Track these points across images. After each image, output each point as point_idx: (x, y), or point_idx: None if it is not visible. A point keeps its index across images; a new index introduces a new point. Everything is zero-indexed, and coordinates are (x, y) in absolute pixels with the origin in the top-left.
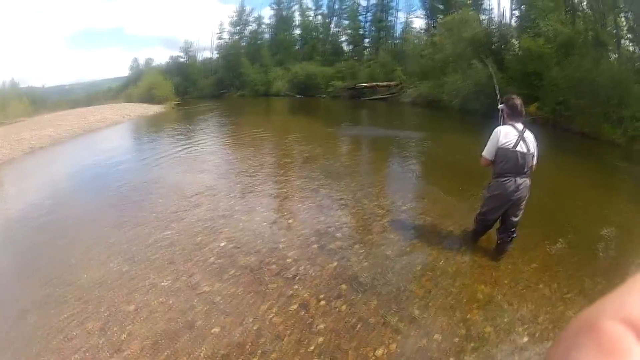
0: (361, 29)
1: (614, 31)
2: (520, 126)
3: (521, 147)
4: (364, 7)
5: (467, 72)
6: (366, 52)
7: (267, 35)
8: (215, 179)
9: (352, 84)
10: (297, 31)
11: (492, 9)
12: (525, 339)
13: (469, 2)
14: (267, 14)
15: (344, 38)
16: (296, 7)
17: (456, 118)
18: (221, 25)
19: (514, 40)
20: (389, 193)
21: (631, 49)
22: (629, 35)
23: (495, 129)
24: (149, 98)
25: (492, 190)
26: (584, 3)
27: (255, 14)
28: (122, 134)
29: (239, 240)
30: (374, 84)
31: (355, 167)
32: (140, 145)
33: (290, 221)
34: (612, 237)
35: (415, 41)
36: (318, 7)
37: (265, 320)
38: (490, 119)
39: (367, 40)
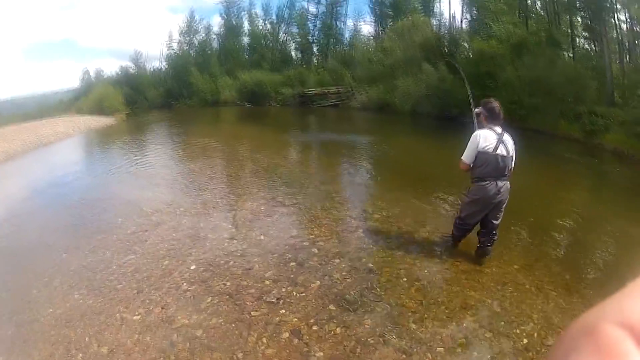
0: (310, 36)
1: (568, 31)
2: (499, 129)
3: (501, 150)
4: (313, 14)
5: (418, 76)
6: (315, 58)
7: (216, 44)
8: (174, 194)
9: (302, 91)
10: (246, 39)
11: (442, 14)
12: (525, 340)
13: (419, 7)
14: (217, 23)
15: (292, 45)
16: (245, 15)
17: (408, 121)
18: (170, 35)
19: (465, 43)
20: (356, 201)
21: (587, 46)
22: (585, 34)
23: (475, 133)
24: (100, 110)
25: (472, 194)
26: (538, 4)
27: (205, 23)
28: (74, 148)
29: (210, 262)
30: (324, 90)
31: (316, 175)
32: (94, 159)
33: (261, 237)
34: (580, 230)
35: (364, 47)
36: (267, 15)
37: (257, 353)
38: (443, 121)
39: (315, 47)
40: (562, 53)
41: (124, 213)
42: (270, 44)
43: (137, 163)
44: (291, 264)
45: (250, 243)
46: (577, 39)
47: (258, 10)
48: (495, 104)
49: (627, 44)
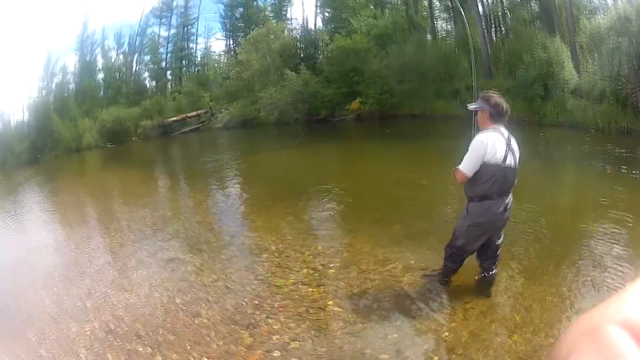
0: (163, 62)
1: (424, 14)
2: (505, 132)
3: (510, 161)
4: (164, 38)
5: (280, 84)
6: (170, 85)
7: (72, 85)
8: (56, 296)
9: (161, 120)
10: (101, 75)
11: (295, 18)
12: None
13: (270, 15)
14: (72, 62)
15: (146, 74)
16: (98, 49)
17: (275, 133)
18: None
19: (321, 43)
20: (288, 252)
21: (447, 26)
22: (444, 15)
23: (479, 138)
24: None
25: (475, 216)
26: None
27: (61, 64)
28: None
29: None
30: (183, 116)
31: (218, 223)
32: None
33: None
34: (539, 218)
35: (216, 65)
36: (120, 46)
37: None
38: (310, 125)
39: (169, 72)
40: (425, 36)
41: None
42: (125, 77)
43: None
44: None
45: None
46: (437, 21)
47: (111, 42)
48: (500, 98)
49: (492, 18)
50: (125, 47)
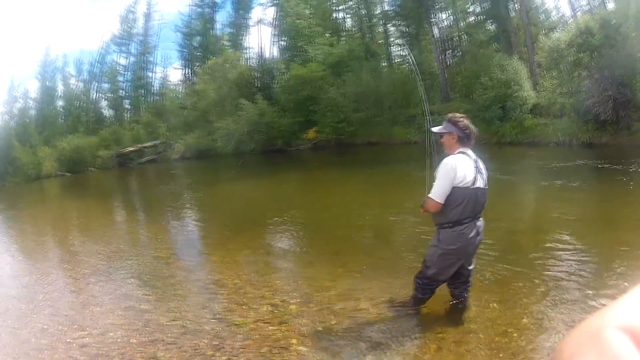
0: (121, 90)
1: (380, 42)
2: (472, 154)
3: (479, 182)
4: (123, 66)
5: (237, 114)
6: (127, 114)
7: (33, 111)
8: (12, 332)
9: (118, 150)
10: (61, 102)
11: (252, 47)
12: None
13: (227, 44)
14: (34, 88)
15: (105, 103)
16: (59, 75)
17: (231, 164)
18: None
19: (278, 72)
20: (250, 297)
21: (402, 53)
22: (398, 41)
23: (449, 161)
24: None
25: (446, 243)
26: (348, 22)
27: (23, 89)
28: None
29: None
30: (139, 146)
31: (174, 256)
32: None
33: None
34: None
35: (172, 95)
36: (80, 73)
37: None
38: (268, 155)
39: (127, 101)
40: (380, 63)
41: None
42: (84, 105)
43: None
44: None
45: None
46: (392, 47)
47: (71, 69)
48: (468, 120)
49: (448, 41)
50: (85, 74)
